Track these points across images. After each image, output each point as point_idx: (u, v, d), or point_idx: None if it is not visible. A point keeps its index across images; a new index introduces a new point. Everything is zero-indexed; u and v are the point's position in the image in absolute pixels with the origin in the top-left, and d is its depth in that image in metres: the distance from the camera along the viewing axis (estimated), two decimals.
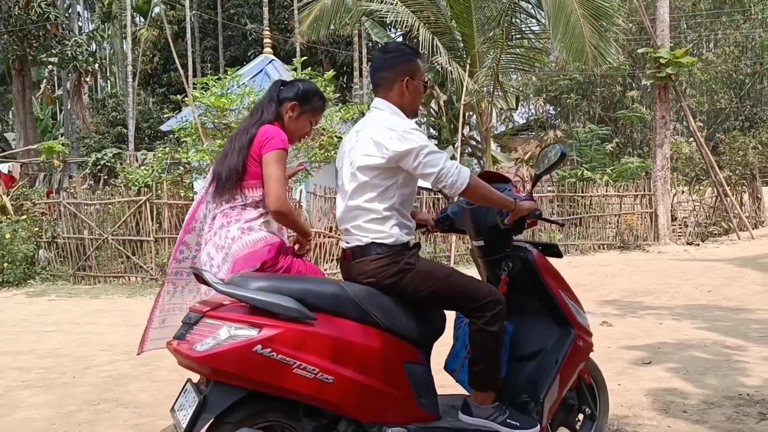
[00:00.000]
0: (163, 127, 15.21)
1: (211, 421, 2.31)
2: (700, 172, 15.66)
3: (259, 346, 2.27)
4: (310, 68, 12.14)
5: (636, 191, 14.16)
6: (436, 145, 13.17)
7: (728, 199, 14.59)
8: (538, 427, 2.76)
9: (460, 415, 2.77)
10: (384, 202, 2.67)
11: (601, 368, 3.39)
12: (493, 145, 30.52)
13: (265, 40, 15.12)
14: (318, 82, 11.35)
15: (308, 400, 2.40)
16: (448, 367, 3.12)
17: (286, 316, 2.35)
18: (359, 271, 2.69)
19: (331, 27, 16.59)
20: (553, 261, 3.13)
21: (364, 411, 2.48)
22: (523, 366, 2.99)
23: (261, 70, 14.03)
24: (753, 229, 14.62)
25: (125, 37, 22.10)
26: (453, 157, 15.49)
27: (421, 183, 3.01)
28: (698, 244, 13.76)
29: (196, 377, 2.50)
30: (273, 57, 14.78)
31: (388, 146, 2.62)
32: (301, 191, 10.65)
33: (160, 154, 12.86)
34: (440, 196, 11.37)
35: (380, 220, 2.66)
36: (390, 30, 16.04)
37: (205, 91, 10.37)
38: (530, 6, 14.16)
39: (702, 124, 23.76)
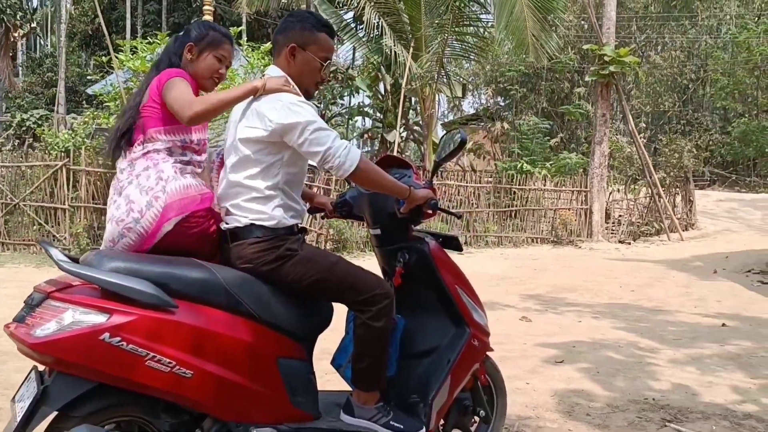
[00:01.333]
0: (89, 91, 14.45)
1: (55, 415, 2.06)
2: (637, 172, 15.86)
3: (106, 335, 2.03)
4: (245, 39, 11.66)
5: (573, 187, 14.22)
6: (380, 129, 12.99)
7: (661, 200, 14.82)
8: (424, 429, 2.60)
9: (341, 415, 2.58)
10: (267, 180, 2.44)
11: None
12: (442, 133, 30.59)
13: (205, 7, 14.46)
14: (257, 54, 10.92)
15: (163, 396, 2.16)
16: (335, 363, 2.86)
17: (141, 302, 2.10)
18: (236, 255, 2.43)
19: (282, 1, 16.13)
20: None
21: (226, 409, 2.27)
22: (414, 364, 2.79)
23: None
24: (683, 231, 14.91)
25: None
26: (386, 142, 15.36)
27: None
28: (630, 243, 13.94)
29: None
30: None
31: (271, 117, 2.38)
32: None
33: (86, 119, 12.18)
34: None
35: (262, 200, 2.43)
36: (339, 9, 15.63)
37: (134, 54, 9.81)
38: None
39: (645, 126, 24.21)
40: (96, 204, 10.16)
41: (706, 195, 20.14)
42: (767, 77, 28.79)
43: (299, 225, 2.60)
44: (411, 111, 17.31)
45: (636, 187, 15.73)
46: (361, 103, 18.57)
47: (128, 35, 20.12)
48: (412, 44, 13.65)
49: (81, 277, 2.12)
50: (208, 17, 14.51)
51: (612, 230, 14.59)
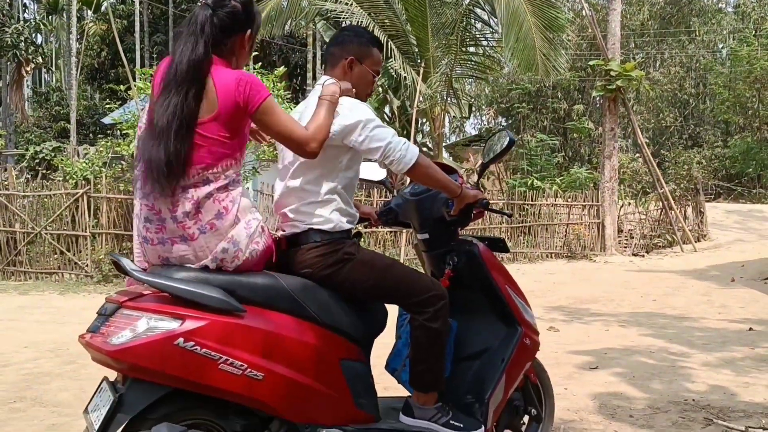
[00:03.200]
0: (106, 120, 14.65)
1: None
2: (646, 185, 15.96)
3: (180, 339, 2.06)
4: (260, 64, 11.86)
5: (584, 202, 14.32)
6: None
7: (672, 212, 14.90)
8: (483, 428, 2.62)
9: (401, 417, 2.61)
10: (326, 185, 2.48)
11: (549, 372, 3.28)
12: (445, 155, 30.77)
13: None
14: (268, 78, 11.10)
15: (236, 399, 2.20)
16: (390, 367, 2.92)
17: (212, 308, 2.14)
18: (296, 260, 2.48)
19: (287, 28, 16.37)
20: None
21: (296, 411, 2.31)
22: (467, 365, 2.84)
23: None
24: (696, 242, 14.95)
25: (72, 29, 21.29)
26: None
27: (364, 175, 2.92)
28: (643, 256, 13.98)
29: (113, 374, 2.27)
30: None
31: (336, 121, 2.43)
32: (248, 189, 10.34)
33: (101, 148, 12.33)
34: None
35: (320, 204, 2.47)
36: None
37: (150, 82, 9.99)
38: (485, 13, 14.23)
39: (648, 141, 24.37)
40: (117, 231, 10.26)
41: (714, 207, 20.19)
42: None
43: (355, 229, 2.65)
44: (419, 132, 17.50)
45: (646, 200, 15.81)
46: None
47: (138, 66, 20.37)
48: (422, 66, 13.84)
49: (153, 285, 2.16)
50: None
51: (625, 243, 14.65)
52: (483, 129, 30.26)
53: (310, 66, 21.33)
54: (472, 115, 34.33)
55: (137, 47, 22.74)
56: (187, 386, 2.13)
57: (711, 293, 9.04)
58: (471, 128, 38.82)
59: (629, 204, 15.76)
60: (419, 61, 14.25)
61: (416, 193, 2.90)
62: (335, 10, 13.53)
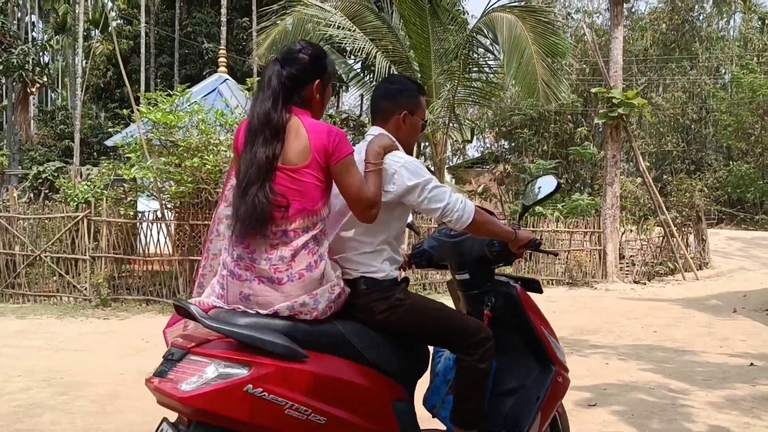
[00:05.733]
0: (108, 143, 14.72)
1: None
2: (648, 212, 15.91)
3: (250, 386, 2.13)
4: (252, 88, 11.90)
5: (586, 228, 14.27)
6: None
7: (674, 239, 14.84)
8: None
9: None
10: (379, 236, 2.56)
11: None
12: (447, 177, 30.83)
13: (221, 60, 14.88)
14: None
15: None
16: (428, 404, 3.00)
17: (276, 354, 2.20)
18: (348, 306, 2.54)
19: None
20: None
21: None
22: (502, 401, 2.94)
23: (214, 89, 13.73)
24: (698, 269, 14.87)
25: (78, 50, 21.46)
26: None
27: None
28: (645, 283, 13.90)
29: (168, 414, 2.33)
30: (227, 77, 14.51)
31: (396, 180, 2.51)
32: None
33: (103, 170, 12.37)
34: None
35: (372, 254, 2.55)
36: (348, 57, 15.95)
37: (154, 106, 10.03)
38: (488, 41, 14.30)
39: (650, 165, 24.38)
40: (116, 254, 10.25)
41: (716, 233, 20.12)
42: None
43: (401, 275, 2.74)
44: (421, 156, 17.53)
45: (648, 227, 15.75)
46: None
47: (143, 88, 20.49)
48: (426, 94, 13.87)
49: (221, 332, 2.20)
50: (223, 69, 14.96)
51: (626, 270, 14.57)
52: (485, 152, 30.35)
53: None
54: (474, 138, 34.49)
55: (142, 68, 22.86)
56: (253, 430, 2.18)
57: (713, 325, 8.96)
58: (474, 151, 38.99)
59: (631, 231, 15.70)
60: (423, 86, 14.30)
61: (455, 235, 2.98)
62: (338, 36, 13.59)
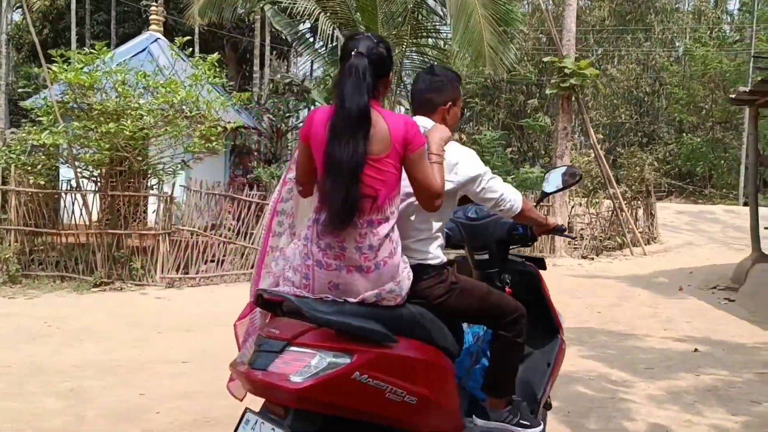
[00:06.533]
0: (22, 104, 13.60)
1: None
2: (598, 185, 15.65)
3: (357, 373, 2.24)
4: (191, 50, 11.07)
5: (534, 201, 13.92)
6: None
7: (623, 213, 14.64)
8: (542, 426, 2.92)
9: (475, 420, 2.86)
10: (434, 224, 2.66)
11: None
12: None
13: (153, 17, 13.87)
14: (205, 65, 10.34)
15: (394, 423, 2.39)
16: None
17: (373, 340, 2.31)
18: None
19: (239, 11, 15.55)
20: None
21: (435, 428, 2.52)
22: None
23: (144, 49, 12.75)
24: (646, 245, 14.74)
25: (3, 3, 20.00)
26: None
27: None
28: (593, 258, 13.69)
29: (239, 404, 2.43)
30: (159, 35, 13.50)
31: (457, 171, 2.65)
32: (174, 185, 9.58)
33: (23, 134, 11.40)
34: None
35: (427, 241, 2.64)
36: (294, 18, 15.10)
37: (69, 65, 9.15)
38: (436, 4, 13.68)
39: (603, 138, 24.24)
40: (28, 227, 9.43)
41: (666, 207, 20.13)
42: (721, 90, 29.25)
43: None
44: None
45: (597, 200, 15.52)
46: None
47: (74, 46, 19.23)
48: None
49: (331, 324, 2.26)
50: (155, 27, 13.96)
51: (574, 245, 14.33)
52: None
53: (257, 52, 20.46)
54: None
55: (73, 26, 21.49)
56: (358, 415, 2.29)
57: (657, 304, 8.71)
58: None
59: (580, 204, 15.44)
60: None
61: (476, 218, 3.19)
62: None
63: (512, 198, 2.72)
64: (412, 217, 2.61)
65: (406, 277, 2.45)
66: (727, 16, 35.54)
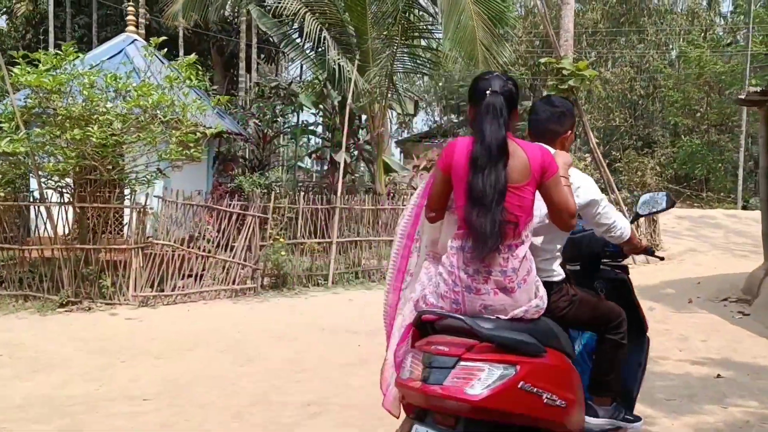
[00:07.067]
0: None
1: None
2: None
3: (522, 382, 2.46)
4: (174, 52, 10.42)
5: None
6: (328, 148, 12.07)
7: None
8: (642, 420, 3.24)
9: (586, 418, 2.94)
10: (557, 244, 2.88)
11: None
12: (396, 151, 29.70)
13: (129, 17, 13.21)
14: (181, 67, 9.70)
15: (549, 426, 2.57)
16: None
17: (528, 352, 2.53)
18: None
19: (224, 11, 14.94)
20: None
21: (576, 427, 2.71)
22: None
23: (120, 51, 12.10)
24: None
25: None
26: (335, 162, 14.10)
27: None
28: None
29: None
30: (136, 36, 12.83)
31: (581, 193, 2.86)
32: (147, 195, 8.91)
33: None
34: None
35: (551, 260, 2.86)
36: (281, 19, 14.48)
37: (36, 68, 8.49)
38: (427, 2, 13.10)
39: (598, 141, 23.71)
40: None
41: (666, 212, 19.53)
42: (716, 93, 28.79)
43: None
44: (362, 130, 16.23)
45: None
46: (305, 121, 17.34)
47: (51, 49, 18.56)
48: (357, 57, 12.61)
49: (499, 339, 2.50)
50: (132, 28, 13.31)
51: None
52: (433, 126, 29.39)
53: (243, 55, 19.84)
54: (421, 111, 33.38)
55: (51, 29, 20.77)
56: (523, 421, 2.51)
57: (668, 320, 8.11)
58: (422, 125, 38.06)
59: None
60: (356, 53, 13.01)
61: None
62: None
63: (623, 225, 3.00)
64: (539, 239, 2.82)
65: (543, 292, 2.68)
66: (720, 18, 35.13)
